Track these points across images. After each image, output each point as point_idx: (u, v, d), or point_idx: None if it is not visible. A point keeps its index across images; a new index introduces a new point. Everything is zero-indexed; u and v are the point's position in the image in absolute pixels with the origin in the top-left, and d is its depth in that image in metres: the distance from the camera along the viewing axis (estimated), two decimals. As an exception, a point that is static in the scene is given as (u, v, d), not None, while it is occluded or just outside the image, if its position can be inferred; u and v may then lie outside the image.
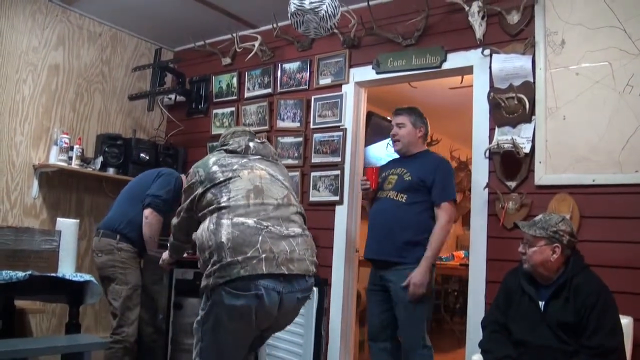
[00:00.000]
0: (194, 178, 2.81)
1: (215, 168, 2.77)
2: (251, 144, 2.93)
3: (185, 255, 3.30)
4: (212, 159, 2.85)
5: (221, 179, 2.72)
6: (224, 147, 2.95)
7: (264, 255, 2.49)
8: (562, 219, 2.80)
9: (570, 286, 2.66)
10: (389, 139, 3.89)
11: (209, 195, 2.70)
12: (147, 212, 3.84)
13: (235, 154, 2.89)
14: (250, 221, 2.56)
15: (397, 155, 3.91)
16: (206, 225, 2.62)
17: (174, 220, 3.05)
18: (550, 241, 2.71)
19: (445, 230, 3.50)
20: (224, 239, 2.50)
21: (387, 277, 3.56)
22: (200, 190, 2.75)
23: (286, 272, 2.53)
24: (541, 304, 2.73)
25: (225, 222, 2.56)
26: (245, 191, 2.66)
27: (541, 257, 2.72)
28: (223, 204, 2.62)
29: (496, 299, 2.99)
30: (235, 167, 2.78)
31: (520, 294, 2.83)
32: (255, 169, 2.80)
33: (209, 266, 2.53)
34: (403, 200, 3.58)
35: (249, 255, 2.47)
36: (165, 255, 3.43)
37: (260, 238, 2.52)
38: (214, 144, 4.29)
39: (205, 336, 2.61)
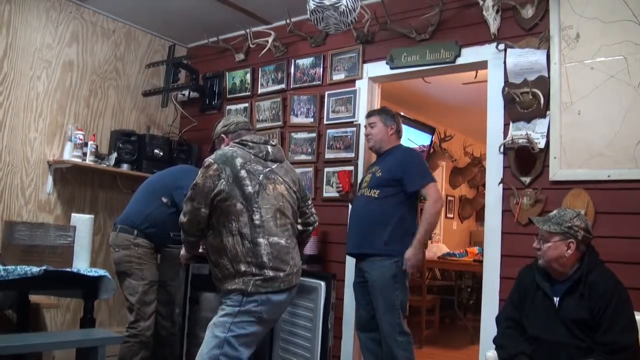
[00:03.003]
0: (219, 173, 2.87)
1: (243, 173, 2.92)
2: (270, 149, 3.10)
3: (200, 250, 3.30)
4: (238, 159, 2.94)
5: (250, 191, 2.90)
6: (247, 148, 3.04)
7: (295, 270, 2.99)
8: (577, 214, 2.79)
9: (585, 282, 2.65)
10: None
11: (238, 205, 2.87)
12: None
13: (257, 158, 3.03)
14: (282, 241, 2.95)
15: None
16: (239, 240, 2.86)
17: (184, 218, 2.99)
18: (565, 237, 2.70)
19: (435, 209, 3.65)
20: (265, 259, 2.86)
21: (364, 269, 3.70)
22: (225, 188, 2.85)
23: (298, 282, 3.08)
24: (556, 299, 2.71)
25: (262, 241, 2.87)
26: (273, 211, 2.96)
27: (556, 253, 2.71)
28: (257, 222, 2.88)
29: (511, 295, 2.98)
30: (260, 177, 2.97)
31: (535, 290, 2.82)
32: (277, 184, 3.04)
33: (247, 276, 2.84)
34: (375, 196, 3.73)
35: (287, 272, 2.92)
36: (183, 251, 3.45)
37: (290, 256, 2.97)
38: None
39: (241, 330, 2.81)
